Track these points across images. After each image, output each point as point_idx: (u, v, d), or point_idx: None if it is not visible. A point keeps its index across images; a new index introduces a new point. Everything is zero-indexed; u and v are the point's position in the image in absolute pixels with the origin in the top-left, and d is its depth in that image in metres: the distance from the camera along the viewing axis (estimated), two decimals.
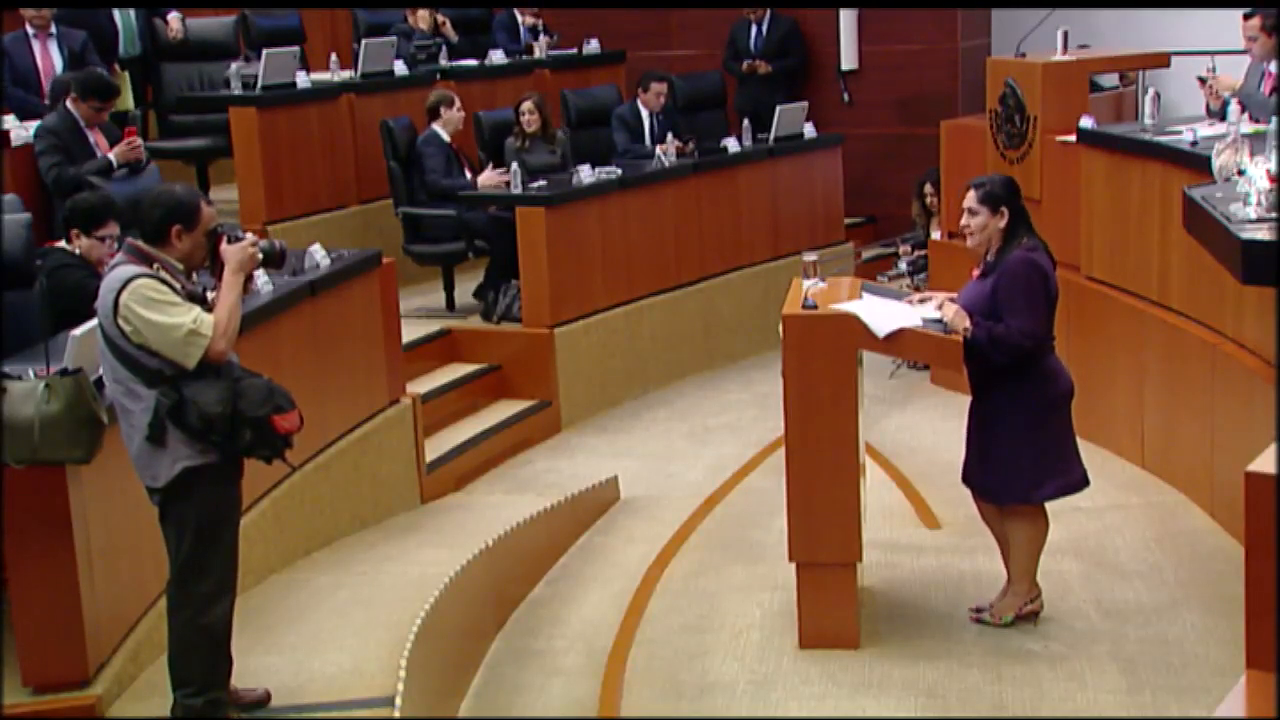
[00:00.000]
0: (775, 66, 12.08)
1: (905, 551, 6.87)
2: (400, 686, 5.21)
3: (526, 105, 9.97)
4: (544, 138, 10.01)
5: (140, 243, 4.78)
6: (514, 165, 9.32)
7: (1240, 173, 5.56)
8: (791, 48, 12.26)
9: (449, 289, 9.63)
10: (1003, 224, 5.78)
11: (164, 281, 4.70)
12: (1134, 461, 7.75)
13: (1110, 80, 10.63)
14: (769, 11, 12.21)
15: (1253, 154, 5.76)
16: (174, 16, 10.32)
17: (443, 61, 10.98)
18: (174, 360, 4.66)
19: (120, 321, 4.64)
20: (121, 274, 4.67)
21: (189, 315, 4.64)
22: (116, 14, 9.84)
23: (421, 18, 11.25)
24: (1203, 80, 7.68)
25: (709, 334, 10.23)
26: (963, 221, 5.90)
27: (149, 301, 4.62)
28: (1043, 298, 5.74)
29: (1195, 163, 6.67)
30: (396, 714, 5.08)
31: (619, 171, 9.68)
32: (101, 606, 5.15)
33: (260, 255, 4.91)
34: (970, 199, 5.83)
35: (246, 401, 4.70)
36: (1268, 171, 5.17)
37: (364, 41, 10.48)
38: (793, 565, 5.91)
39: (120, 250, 4.86)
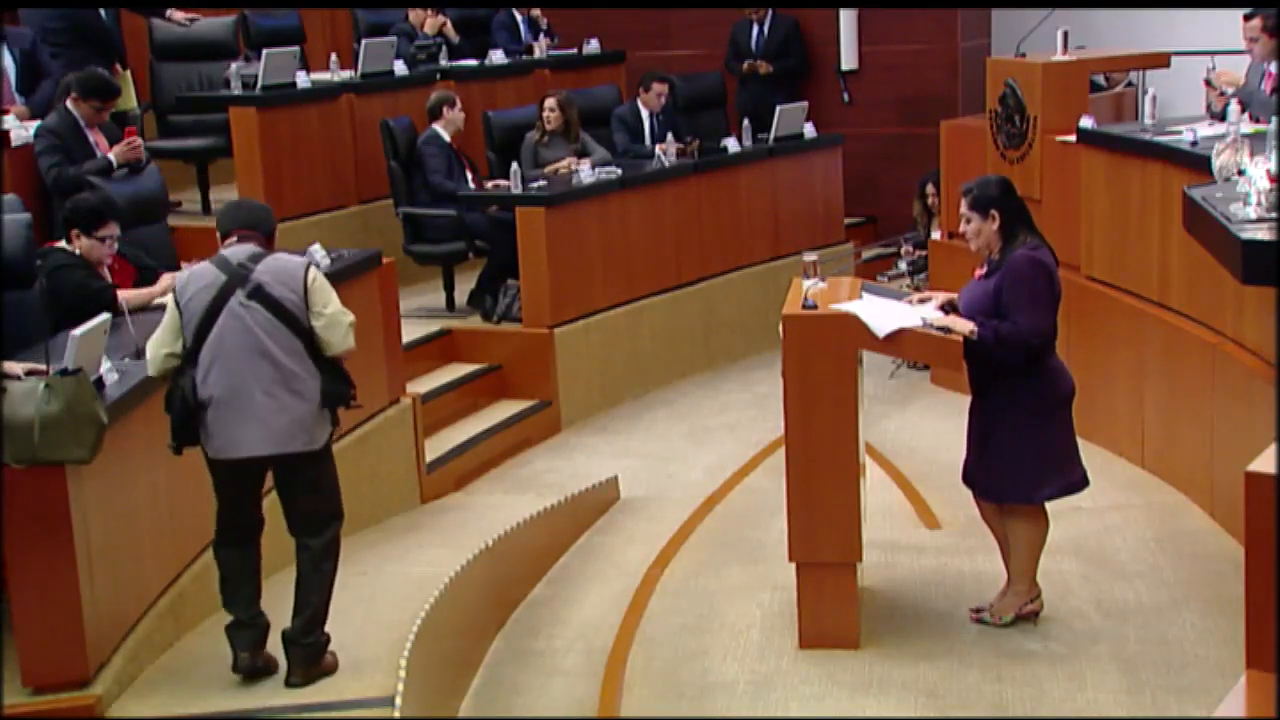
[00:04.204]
0: (776, 67, 12.08)
1: (905, 551, 6.87)
2: (400, 686, 5.21)
3: (549, 102, 10.03)
4: (566, 136, 10.03)
5: (260, 236, 5.30)
6: (513, 165, 9.33)
7: (1240, 173, 5.56)
8: (792, 48, 12.26)
9: (449, 289, 9.63)
10: (996, 226, 5.77)
11: None
12: (1134, 461, 7.75)
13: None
14: (770, 11, 12.21)
15: (1253, 154, 5.76)
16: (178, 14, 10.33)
17: (443, 62, 10.98)
18: (331, 342, 5.18)
19: (310, 297, 5.12)
20: (295, 259, 5.27)
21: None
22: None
23: (430, 25, 11.24)
24: (1209, 83, 7.68)
25: (709, 334, 10.23)
26: (961, 228, 5.91)
27: (329, 289, 5.21)
28: (1048, 295, 5.74)
29: (1195, 163, 6.67)
30: (396, 714, 5.08)
31: (619, 171, 9.69)
32: (101, 606, 5.15)
33: None
34: (961, 205, 5.84)
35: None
36: (1268, 171, 5.17)
37: (364, 41, 10.48)
38: (793, 565, 5.91)
39: (245, 242, 5.22)
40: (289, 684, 5.25)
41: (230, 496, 5.27)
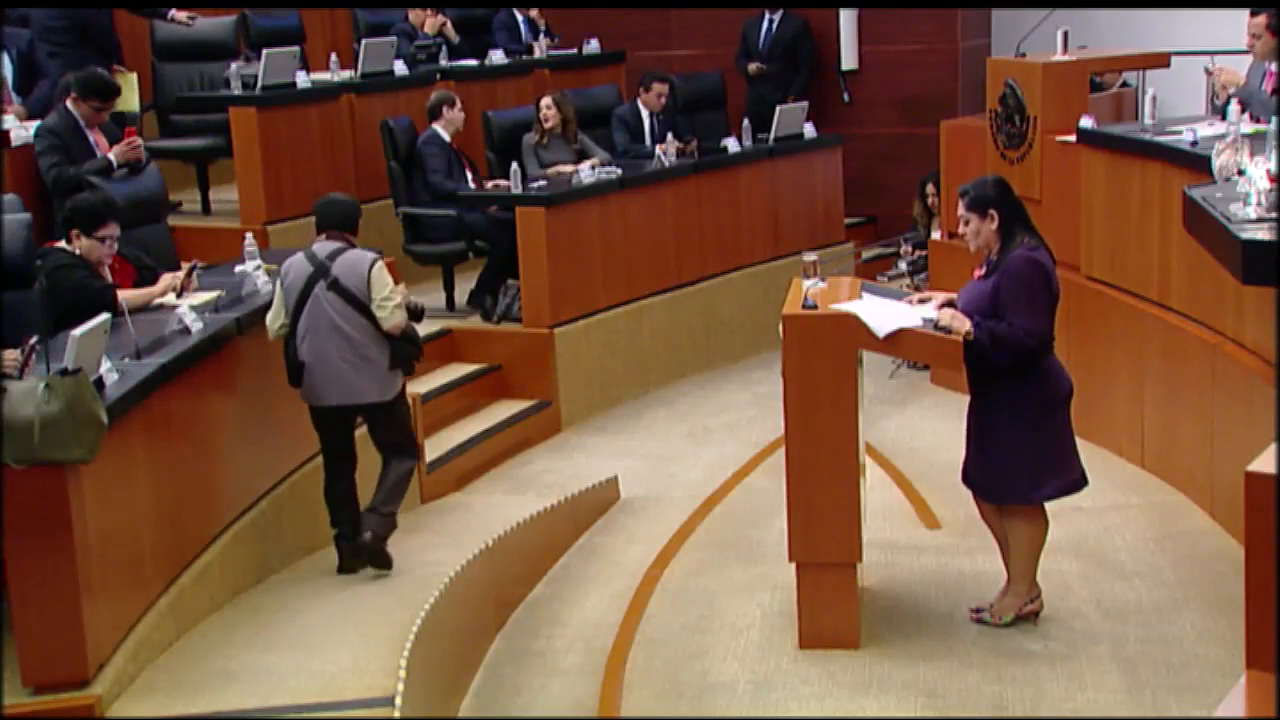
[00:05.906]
0: (782, 70, 12.07)
1: (905, 551, 6.87)
2: (400, 686, 5.21)
3: (545, 102, 10.03)
4: (564, 136, 10.03)
5: (345, 234, 6.54)
6: (513, 165, 9.33)
7: (1240, 173, 5.57)
8: (801, 49, 12.24)
9: (449, 289, 9.63)
10: (994, 226, 5.77)
11: None
12: (1134, 461, 7.75)
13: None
14: (782, 9, 12.19)
15: (1253, 154, 5.77)
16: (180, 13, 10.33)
17: (443, 62, 10.98)
18: (383, 318, 6.38)
19: (371, 287, 6.36)
20: (365, 254, 6.47)
21: (399, 293, 6.52)
22: None
23: (430, 25, 11.24)
24: (1208, 70, 7.68)
25: (709, 334, 10.23)
26: (959, 229, 5.92)
27: (386, 279, 6.47)
28: (1045, 296, 5.74)
29: (1195, 163, 6.67)
30: (396, 714, 5.08)
31: (619, 171, 9.69)
32: (101, 606, 5.15)
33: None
34: (959, 207, 5.84)
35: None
36: (1268, 171, 5.17)
37: (364, 41, 10.48)
38: (793, 565, 5.91)
39: (332, 239, 6.47)
40: (362, 540, 6.46)
41: (324, 433, 6.58)
